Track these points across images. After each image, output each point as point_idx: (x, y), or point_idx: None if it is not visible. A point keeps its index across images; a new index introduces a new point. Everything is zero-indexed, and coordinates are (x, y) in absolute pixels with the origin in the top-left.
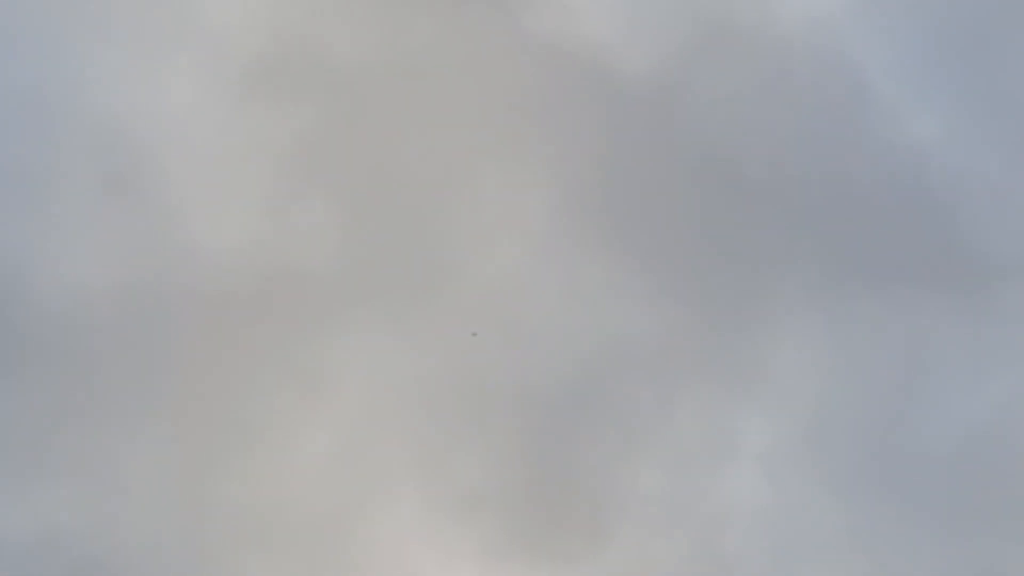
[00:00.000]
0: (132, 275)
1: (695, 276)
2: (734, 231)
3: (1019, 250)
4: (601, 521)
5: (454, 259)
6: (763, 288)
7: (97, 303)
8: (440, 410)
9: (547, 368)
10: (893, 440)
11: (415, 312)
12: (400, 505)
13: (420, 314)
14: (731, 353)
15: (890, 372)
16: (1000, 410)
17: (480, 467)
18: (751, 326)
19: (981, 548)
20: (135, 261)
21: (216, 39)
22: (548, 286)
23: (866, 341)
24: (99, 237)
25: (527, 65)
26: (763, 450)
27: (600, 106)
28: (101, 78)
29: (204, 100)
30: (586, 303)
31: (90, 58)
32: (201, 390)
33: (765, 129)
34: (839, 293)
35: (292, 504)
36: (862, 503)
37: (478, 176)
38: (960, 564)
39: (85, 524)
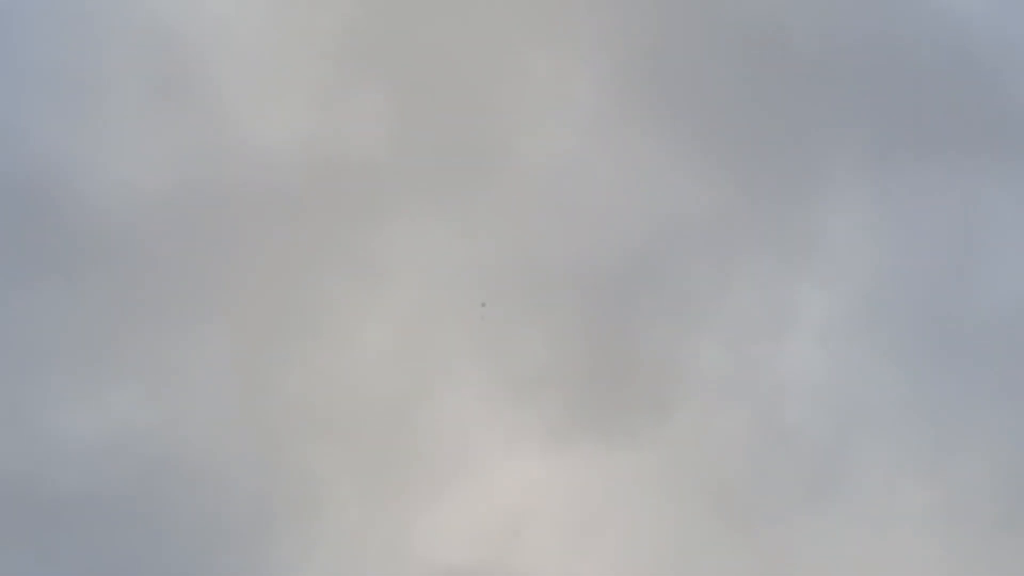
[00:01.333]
0: (186, 174)
1: (748, 150)
2: (785, 103)
3: None
4: (662, 398)
5: (507, 144)
6: (816, 159)
7: (153, 204)
8: (499, 294)
9: (604, 248)
10: (950, 307)
11: (471, 198)
12: (462, 389)
13: (476, 199)
14: (786, 226)
15: (945, 239)
16: None
17: (541, 348)
18: (805, 198)
19: None
20: (189, 160)
21: None
22: (602, 166)
23: (920, 209)
24: (151, 138)
25: None
26: (821, 321)
27: None
28: None
29: None
30: (640, 182)
31: None
32: (260, 285)
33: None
34: (892, 162)
35: (354, 393)
36: (920, 370)
37: (529, 60)
38: (1020, 425)
39: (152, 422)
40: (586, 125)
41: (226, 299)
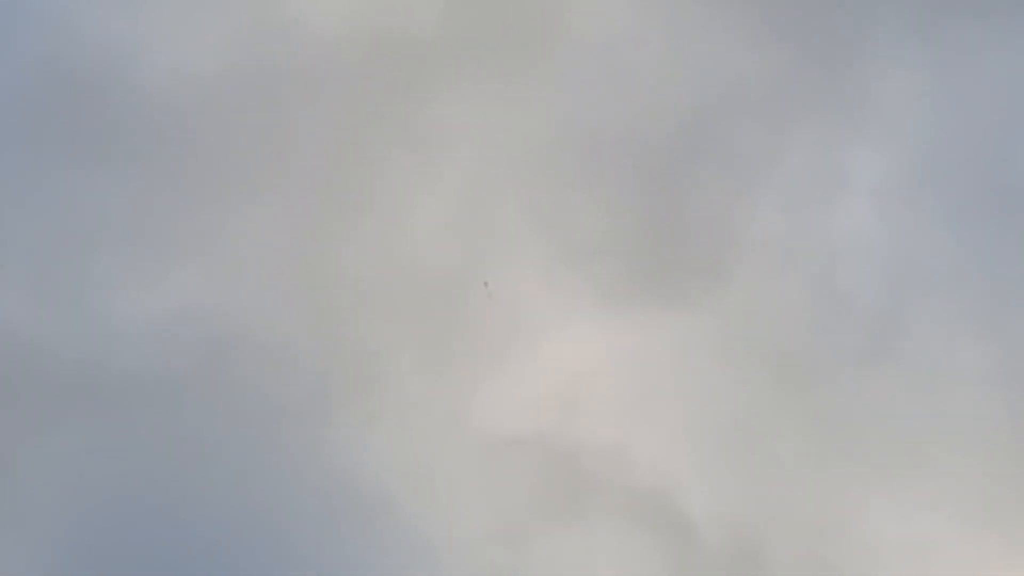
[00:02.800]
0: (239, 56)
1: (800, 14)
2: None
3: None
4: (717, 262)
5: (560, 14)
6: (869, 21)
7: (206, 87)
8: (554, 163)
9: (658, 115)
10: (1004, 166)
11: (524, 69)
12: (518, 260)
13: (529, 70)
14: (840, 89)
15: (998, 98)
16: None
17: (596, 216)
18: (859, 61)
19: None
20: (240, 42)
21: None
22: (654, 34)
23: (974, 69)
24: (202, 22)
25: None
26: (874, 184)
27: None
28: None
29: None
30: (693, 48)
31: None
32: (315, 163)
33: None
34: (946, 22)
35: (411, 266)
36: (975, 230)
37: None
38: None
39: (212, 302)
40: None
41: (282, 178)
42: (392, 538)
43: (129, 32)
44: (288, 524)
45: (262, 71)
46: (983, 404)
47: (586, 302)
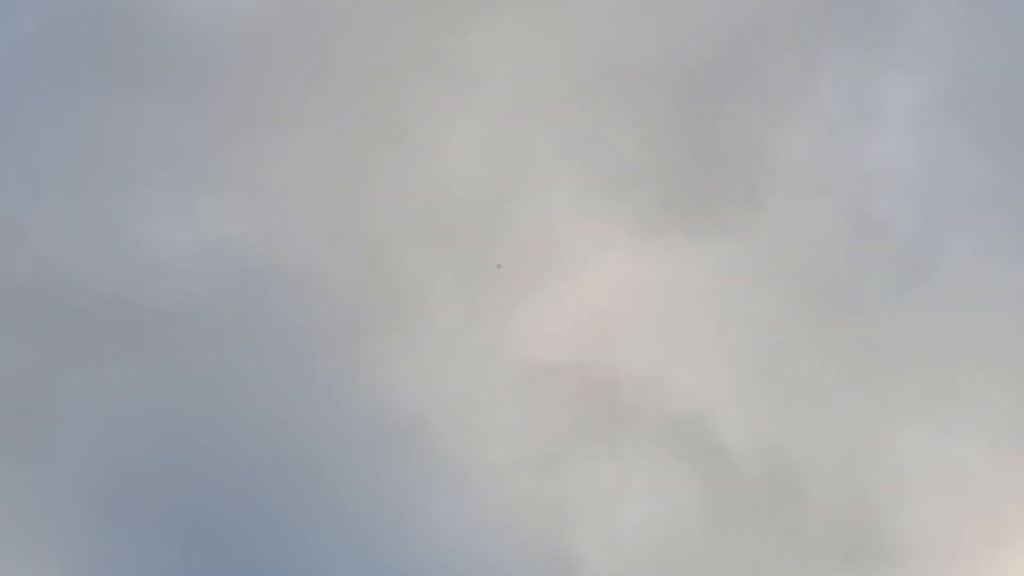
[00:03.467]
0: None
1: None
2: None
3: None
4: (751, 190)
5: None
6: None
7: (242, 15)
8: (589, 92)
9: (692, 42)
10: None
11: None
12: (553, 188)
13: None
14: (872, 15)
15: None
16: None
17: (630, 144)
18: None
19: None
20: None
21: None
22: None
23: None
24: None
25: None
26: (908, 110)
27: None
28: None
29: None
30: None
31: None
32: (349, 92)
33: None
34: None
35: (447, 195)
36: (1009, 157)
37: None
38: None
39: (247, 232)
40: None
41: (316, 108)
42: (427, 466)
43: None
44: (324, 454)
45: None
46: (1017, 330)
47: (621, 230)
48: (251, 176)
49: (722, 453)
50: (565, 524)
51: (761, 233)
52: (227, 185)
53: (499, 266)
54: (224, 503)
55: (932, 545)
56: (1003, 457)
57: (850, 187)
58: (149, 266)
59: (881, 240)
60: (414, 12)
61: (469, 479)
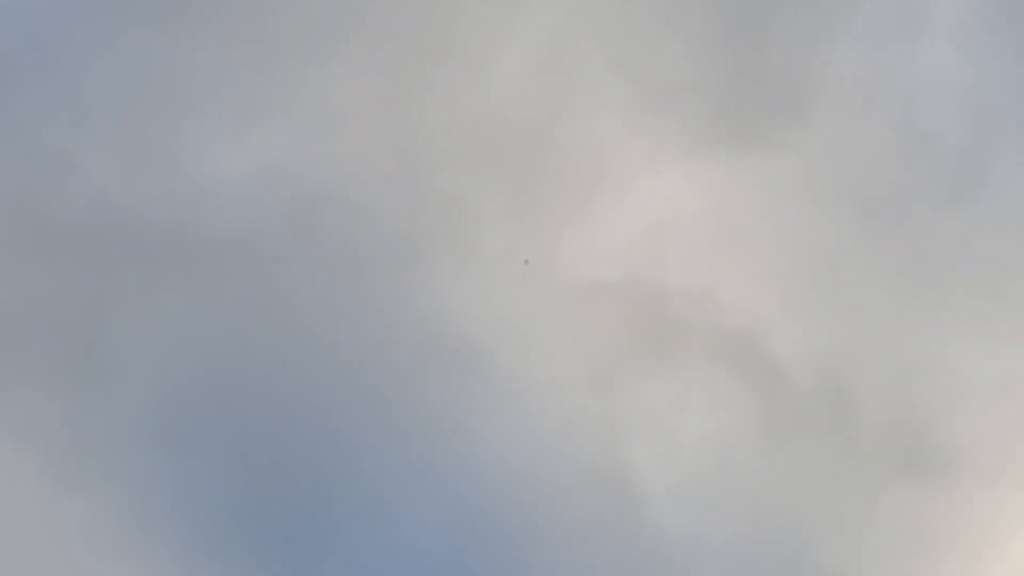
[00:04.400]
0: None
1: None
2: None
3: None
4: (801, 104)
5: None
6: None
7: None
8: (637, 9)
9: None
10: None
11: None
12: (602, 105)
13: None
14: None
15: None
16: None
17: (680, 61)
18: None
19: None
20: None
21: None
22: None
23: None
24: None
25: None
26: (956, 22)
27: None
28: None
29: None
30: None
31: None
32: (398, 13)
33: None
34: None
35: (497, 115)
36: None
37: None
38: None
39: (299, 159)
40: None
41: (365, 31)
42: (482, 387)
43: None
44: (379, 377)
45: None
46: None
47: (671, 146)
48: (302, 102)
49: (775, 367)
50: (619, 441)
51: (811, 147)
52: (278, 112)
53: (527, 262)
54: (280, 428)
55: (985, 455)
56: None
57: (899, 100)
58: (202, 195)
59: (930, 153)
60: None
61: (523, 398)
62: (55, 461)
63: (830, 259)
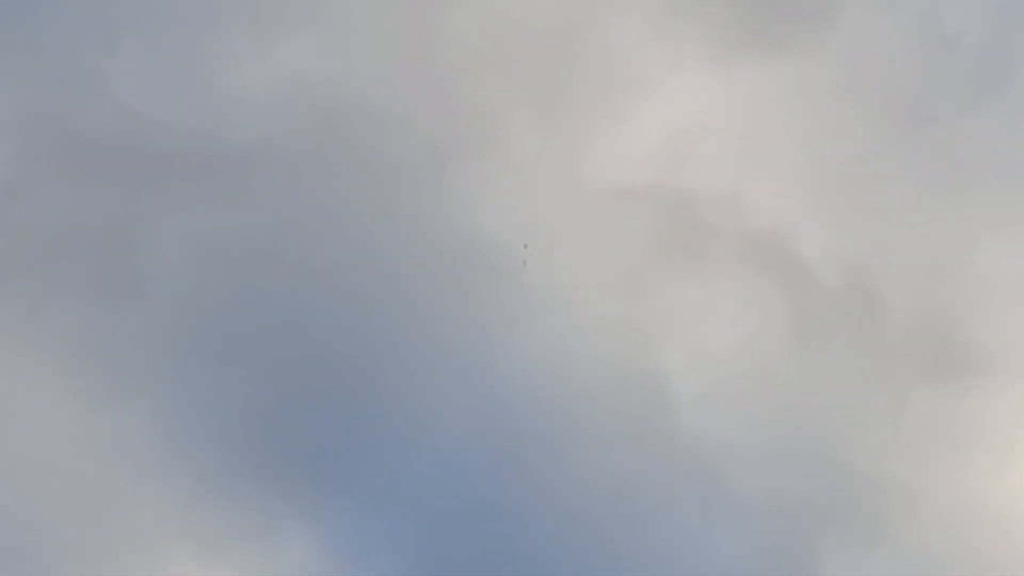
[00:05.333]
0: None
1: None
2: None
3: None
4: (825, 6)
5: None
6: None
7: None
8: None
9: None
10: None
11: None
12: (627, 13)
13: None
14: None
15: None
16: None
17: None
18: None
19: None
20: None
21: None
22: None
23: None
24: None
25: None
26: None
27: None
28: None
29: None
30: None
31: None
32: None
33: None
34: None
35: (522, 25)
36: None
37: None
38: None
39: (325, 71)
40: None
41: None
42: (510, 292)
43: None
44: (409, 283)
45: None
46: None
47: (695, 51)
48: (328, 14)
49: (802, 269)
50: (650, 344)
51: (836, 50)
52: (304, 24)
53: (524, 263)
54: (312, 339)
55: (1011, 353)
56: None
57: (923, 1)
58: (230, 108)
59: (955, 53)
60: None
61: (553, 304)
62: (90, 375)
63: (856, 160)
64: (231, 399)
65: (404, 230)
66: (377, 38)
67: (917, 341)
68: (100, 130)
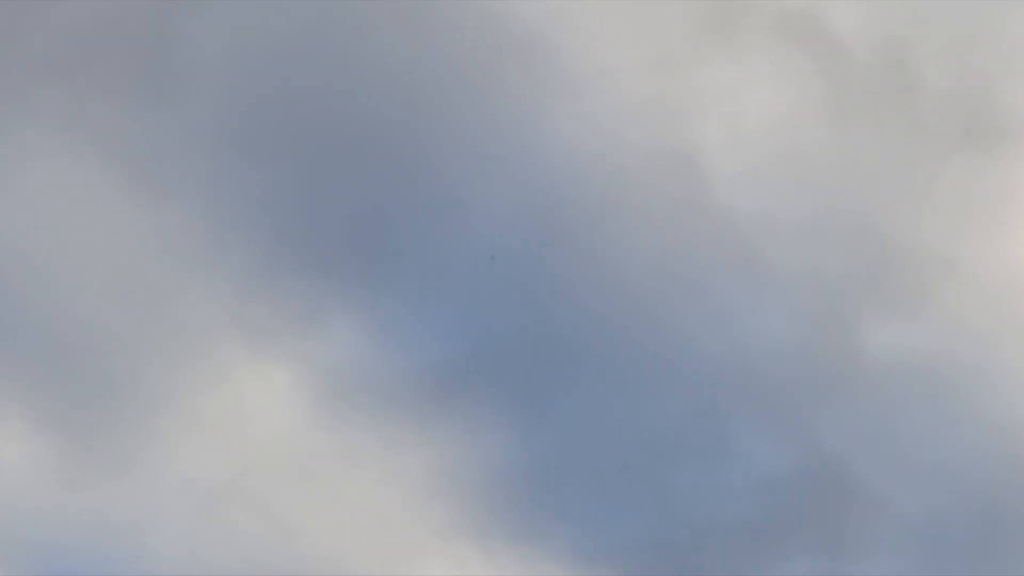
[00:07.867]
0: None
1: None
2: None
3: None
4: None
5: None
6: None
7: None
8: None
9: None
10: None
11: None
12: None
13: None
14: None
15: None
16: None
17: None
18: None
19: None
20: None
21: None
22: None
23: None
24: None
25: None
26: None
27: None
28: None
29: None
30: None
31: None
32: None
33: None
34: None
35: None
36: None
37: None
38: None
39: None
40: None
41: None
42: (544, 73)
43: None
44: (443, 68)
45: None
46: None
47: None
48: None
49: (837, 41)
50: (685, 123)
51: None
52: None
53: (492, 257)
54: (357, 127)
55: None
56: None
57: None
58: None
59: None
60: None
61: (587, 84)
62: (130, 173)
63: None
64: (276, 191)
65: (438, 11)
66: None
67: (952, 111)
68: None
